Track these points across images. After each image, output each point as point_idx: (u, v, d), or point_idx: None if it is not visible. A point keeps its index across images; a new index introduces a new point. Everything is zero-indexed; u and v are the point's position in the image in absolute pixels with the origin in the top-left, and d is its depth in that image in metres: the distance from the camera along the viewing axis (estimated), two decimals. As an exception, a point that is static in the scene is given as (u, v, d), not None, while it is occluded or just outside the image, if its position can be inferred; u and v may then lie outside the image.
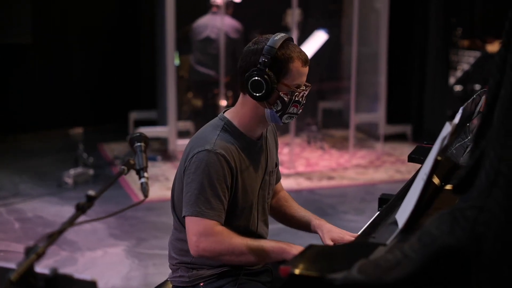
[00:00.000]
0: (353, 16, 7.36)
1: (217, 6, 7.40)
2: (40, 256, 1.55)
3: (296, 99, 2.43)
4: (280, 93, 2.40)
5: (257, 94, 2.39)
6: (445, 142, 1.86)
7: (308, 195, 6.12)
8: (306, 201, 5.83)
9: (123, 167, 1.95)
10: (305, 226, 2.74)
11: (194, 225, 2.36)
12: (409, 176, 6.74)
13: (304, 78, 2.45)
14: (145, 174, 1.98)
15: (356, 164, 7.30)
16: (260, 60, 2.38)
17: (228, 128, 2.48)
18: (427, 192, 1.88)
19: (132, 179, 6.36)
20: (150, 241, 5.10)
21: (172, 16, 7.04)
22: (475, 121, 2.52)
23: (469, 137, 2.69)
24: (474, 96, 2.31)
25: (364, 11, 7.52)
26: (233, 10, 7.65)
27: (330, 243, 2.57)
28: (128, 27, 8.92)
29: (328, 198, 6.16)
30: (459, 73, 9.31)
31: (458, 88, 9.34)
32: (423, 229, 1.56)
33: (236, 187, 2.45)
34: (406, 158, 7.50)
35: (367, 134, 8.51)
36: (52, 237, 1.61)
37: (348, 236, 2.59)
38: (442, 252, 1.49)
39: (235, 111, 2.53)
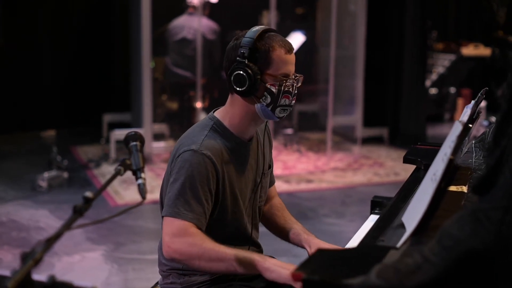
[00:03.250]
0: (330, 19, 7.32)
1: (194, 7, 7.30)
2: (37, 262, 1.45)
3: (286, 89, 2.30)
4: (267, 84, 2.29)
5: (241, 89, 2.29)
6: (456, 141, 1.79)
7: (288, 198, 6.03)
8: (286, 205, 5.71)
9: (119, 167, 1.85)
10: (293, 240, 2.61)
11: (168, 225, 2.23)
12: (388, 179, 6.79)
13: (291, 67, 2.33)
14: (142, 175, 1.88)
15: (334, 167, 7.24)
16: (239, 53, 2.29)
17: (218, 128, 2.37)
18: (439, 193, 1.81)
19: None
20: (128, 246, 4.98)
21: (148, 17, 6.92)
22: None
23: (466, 139, 2.63)
24: (479, 94, 2.25)
25: (339, 14, 7.47)
26: (210, 11, 7.56)
27: None
28: (101, 28, 8.78)
29: (307, 201, 6.09)
30: (434, 76, 9.33)
31: (433, 91, 9.36)
32: (443, 231, 1.48)
33: (224, 191, 2.35)
34: (383, 160, 7.55)
35: (343, 137, 8.47)
36: (49, 242, 1.50)
37: None
38: (466, 254, 1.41)
39: (225, 111, 2.42)
